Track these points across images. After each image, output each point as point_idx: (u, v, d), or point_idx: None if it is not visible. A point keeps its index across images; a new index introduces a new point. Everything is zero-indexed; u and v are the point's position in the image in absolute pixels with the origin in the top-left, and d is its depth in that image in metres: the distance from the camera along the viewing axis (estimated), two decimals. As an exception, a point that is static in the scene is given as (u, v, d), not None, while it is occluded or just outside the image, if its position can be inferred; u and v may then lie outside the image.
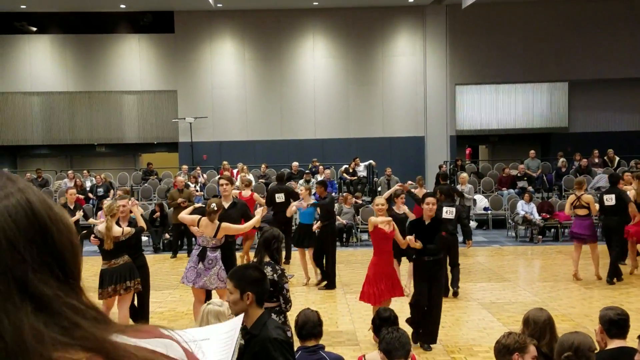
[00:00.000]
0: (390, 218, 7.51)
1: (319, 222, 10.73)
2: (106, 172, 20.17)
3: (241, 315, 2.84)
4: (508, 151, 23.52)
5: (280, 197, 12.05)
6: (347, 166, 19.33)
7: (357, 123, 22.12)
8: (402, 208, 9.50)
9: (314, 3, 21.35)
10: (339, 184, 19.15)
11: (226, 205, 8.16)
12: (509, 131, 22.68)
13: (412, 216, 9.02)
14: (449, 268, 9.16)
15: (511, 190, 17.80)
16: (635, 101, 22.21)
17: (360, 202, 16.78)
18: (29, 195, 0.92)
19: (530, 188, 17.48)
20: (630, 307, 7.77)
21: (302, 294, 10.22)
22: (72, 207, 10.81)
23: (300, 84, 22.17)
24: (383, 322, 4.80)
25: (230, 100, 22.11)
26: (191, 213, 7.77)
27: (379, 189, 18.64)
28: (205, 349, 2.19)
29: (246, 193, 11.89)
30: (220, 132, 22.05)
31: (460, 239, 11.16)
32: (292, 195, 12.06)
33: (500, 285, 10.59)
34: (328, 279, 10.57)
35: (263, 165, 19.84)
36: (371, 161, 19.70)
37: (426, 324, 7.20)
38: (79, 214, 10.82)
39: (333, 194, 15.61)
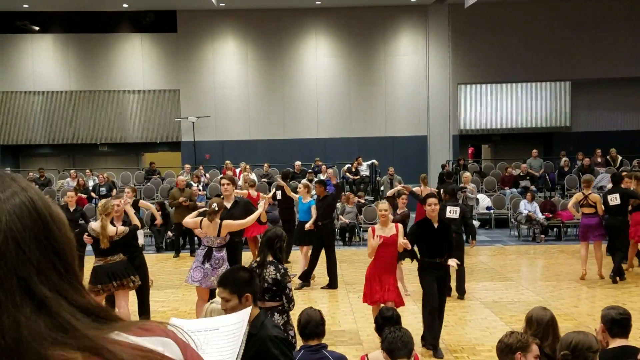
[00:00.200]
0: (405, 242, 7.06)
1: (310, 221, 10.66)
2: (109, 171, 20.18)
3: (249, 308, 2.85)
4: (510, 150, 23.51)
5: (279, 195, 12.14)
6: (349, 165, 19.34)
7: (360, 122, 22.12)
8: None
9: (317, 2, 21.35)
10: (342, 183, 19.14)
11: (228, 205, 8.16)
12: (512, 130, 22.67)
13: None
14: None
15: (514, 190, 17.79)
16: (638, 100, 22.19)
17: (363, 201, 16.78)
18: (32, 194, 0.94)
19: (532, 187, 17.46)
20: (632, 307, 7.76)
21: (305, 293, 10.22)
22: (72, 209, 10.81)
23: (302, 83, 22.17)
24: (385, 322, 4.80)
25: (232, 100, 22.13)
26: (197, 216, 7.76)
27: (382, 188, 18.63)
28: (212, 339, 2.20)
29: (253, 193, 11.98)
30: (223, 132, 22.07)
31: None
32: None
33: (503, 285, 10.59)
34: (330, 279, 10.57)
35: (265, 165, 19.85)
36: (374, 160, 19.71)
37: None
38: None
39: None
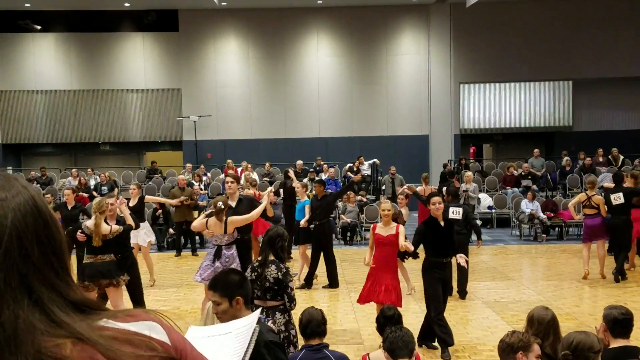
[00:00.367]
0: (407, 244, 7.04)
1: (303, 220, 10.64)
2: (110, 170, 20.19)
3: (258, 310, 2.84)
4: (512, 150, 23.51)
5: (282, 193, 12.20)
6: (351, 165, 19.33)
7: (361, 122, 22.13)
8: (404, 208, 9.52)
9: (318, 2, 21.35)
10: (343, 182, 19.14)
11: (233, 203, 8.18)
12: (513, 130, 22.66)
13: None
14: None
15: (515, 189, 17.78)
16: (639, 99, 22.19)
17: (364, 200, 16.79)
18: (32, 193, 0.99)
19: (534, 187, 17.46)
20: (634, 307, 7.75)
21: (306, 292, 10.23)
22: (70, 207, 10.83)
23: (304, 82, 22.17)
24: (387, 321, 4.80)
25: (234, 99, 22.13)
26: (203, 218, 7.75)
27: (383, 187, 18.64)
28: (227, 342, 2.25)
29: (254, 192, 12.02)
30: (225, 131, 22.07)
31: (473, 237, 11.15)
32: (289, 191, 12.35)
33: (505, 284, 10.58)
34: (330, 279, 10.57)
35: (267, 164, 19.86)
36: (375, 160, 19.71)
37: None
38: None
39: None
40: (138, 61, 22.13)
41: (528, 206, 15.46)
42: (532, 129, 22.64)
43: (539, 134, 23.01)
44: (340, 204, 15.45)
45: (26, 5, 20.74)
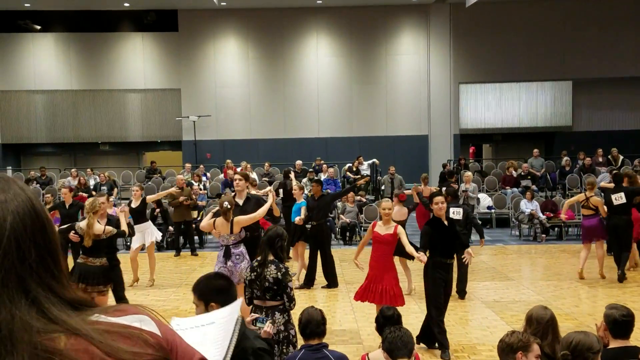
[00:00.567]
0: (420, 255, 6.92)
1: (298, 218, 10.61)
2: (110, 170, 20.18)
3: (240, 300, 2.83)
4: (512, 150, 23.50)
5: (282, 193, 12.19)
6: (350, 165, 19.33)
7: (361, 122, 22.13)
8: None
9: (318, 2, 21.35)
10: (343, 182, 19.14)
11: (240, 201, 8.17)
12: (513, 130, 22.67)
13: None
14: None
15: (515, 189, 17.77)
16: (639, 100, 22.17)
17: (364, 200, 16.78)
18: (30, 194, 1.01)
19: (533, 187, 17.45)
20: (634, 307, 7.73)
21: (306, 292, 10.22)
22: (67, 205, 10.83)
23: (303, 82, 22.17)
24: (386, 321, 4.79)
25: (233, 99, 22.14)
26: (210, 218, 7.74)
27: (382, 187, 18.63)
28: (210, 331, 2.26)
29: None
30: (224, 131, 22.07)
31: (474, 237, 11.16)
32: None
33: (504, 284, 10.58)
34: (329, 279, 10.55)
35: (266, 164, 19.85)
36: (375, 160, 19.70)
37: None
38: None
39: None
40: (137, 61, 22.13)
41: (527, 206, 15.45)
42: (531, 129, 22.65)
43: (538, 134, 23.01)
44: (339, 203, 15.45)
45: (26, 5, 20.74)
